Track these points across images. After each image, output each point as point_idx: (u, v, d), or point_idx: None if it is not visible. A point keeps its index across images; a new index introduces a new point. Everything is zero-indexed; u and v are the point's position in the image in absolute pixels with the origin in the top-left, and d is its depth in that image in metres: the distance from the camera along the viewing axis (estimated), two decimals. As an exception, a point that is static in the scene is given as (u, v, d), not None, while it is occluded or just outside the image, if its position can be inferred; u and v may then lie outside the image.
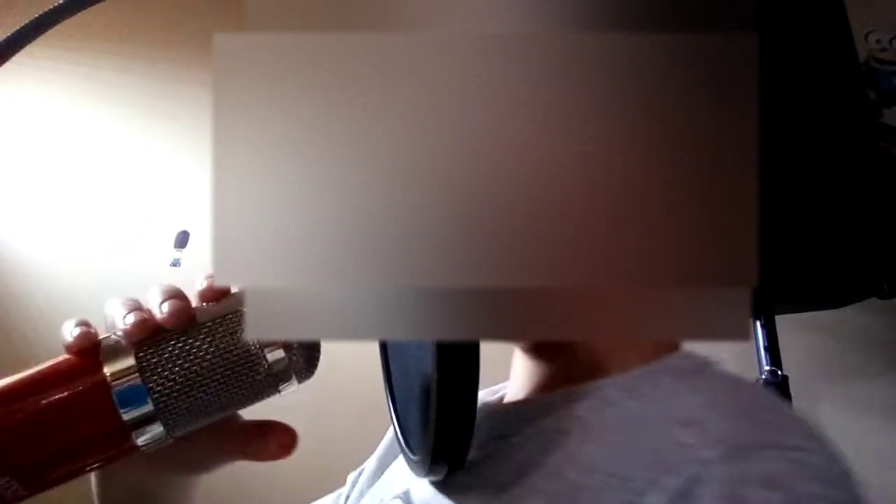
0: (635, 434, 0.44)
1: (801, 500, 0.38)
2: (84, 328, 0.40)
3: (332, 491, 0.71)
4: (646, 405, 0.46)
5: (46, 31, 0.40)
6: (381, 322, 0.31)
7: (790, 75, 1.06)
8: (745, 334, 0.30)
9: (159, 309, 0.40)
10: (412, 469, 0.52)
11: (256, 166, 0.30)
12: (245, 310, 0.31)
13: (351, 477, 0.69)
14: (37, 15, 0.39)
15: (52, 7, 0.39)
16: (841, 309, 1.24)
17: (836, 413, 1.42)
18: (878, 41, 1.39)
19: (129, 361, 0.39)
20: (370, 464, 0.67)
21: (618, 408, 0.46)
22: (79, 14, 0.41)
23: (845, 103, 1.14)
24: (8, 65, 0.40)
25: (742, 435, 0.41)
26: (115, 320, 0.41)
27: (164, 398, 0.39)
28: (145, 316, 0.40)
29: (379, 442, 0.68)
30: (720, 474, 0.39)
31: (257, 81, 0.30)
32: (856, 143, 1.13)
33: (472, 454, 0.48)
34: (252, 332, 0.31)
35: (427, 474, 0.48)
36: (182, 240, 2.11)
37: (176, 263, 2.10)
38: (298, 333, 0.33)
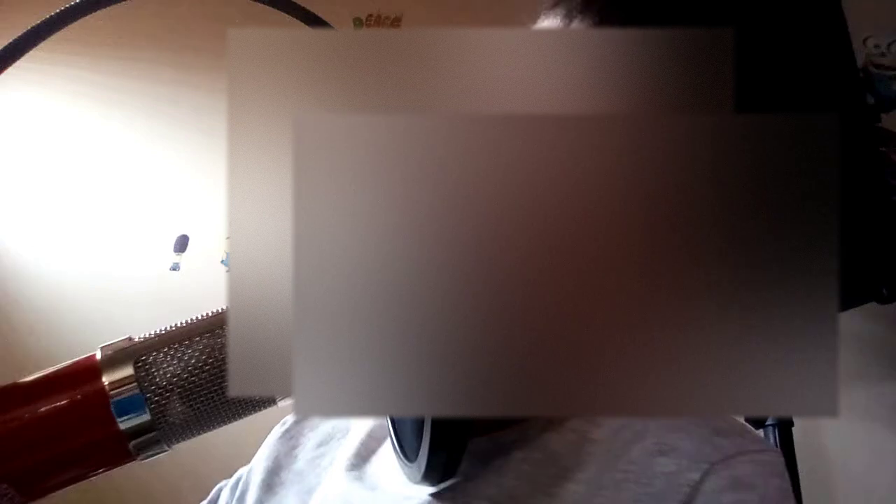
0: (611, 468, 0.46)
1: (770, 495, 0.44)
2: None
3: None
4: (610, 433, 0.48)
5: (48, 36, 0.40)
6: (379, 397, 0.27)
7: (789, 79, 1.07)
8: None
9: None
10: (407, 475, 0.52)
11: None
12: (228, 365, 0.29)
13: (226, 488, 0.66)
14: (43, 18, 0.39)
15: (54, 13, 0.39)
16: (839, 313, 1.24)
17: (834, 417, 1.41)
18: (876, 46, 1.39)
19: (128, 371, 0.39)
20: (260, 469, 0.64)
21: (584, 438, 0.49)
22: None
23: (844, 108, 1.14)
24: (9, 68, 0.40)
25: (716, 451, 0.45)
26: None
27: (161, 408, 0.39)
28: None
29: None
30: (706, 490, 0.44)
31: (275, 80, 0.27)
32: (854, 148, 1.13)
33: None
34: (235, 388, 0.28)
35: (421, 480, 0.49)
36: (181, 244, 2.11)
37: (175, 267, 2.10)
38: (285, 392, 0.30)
